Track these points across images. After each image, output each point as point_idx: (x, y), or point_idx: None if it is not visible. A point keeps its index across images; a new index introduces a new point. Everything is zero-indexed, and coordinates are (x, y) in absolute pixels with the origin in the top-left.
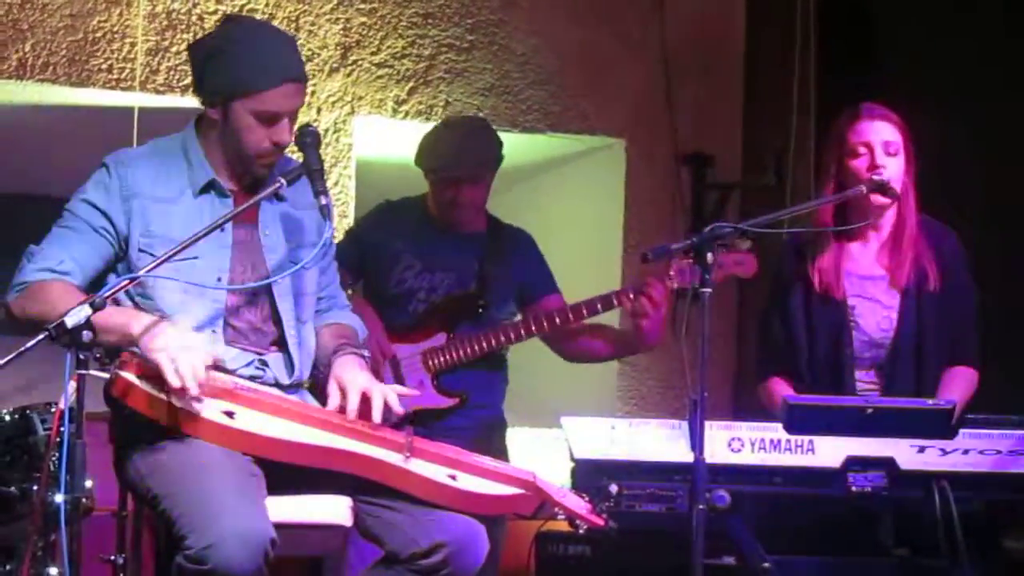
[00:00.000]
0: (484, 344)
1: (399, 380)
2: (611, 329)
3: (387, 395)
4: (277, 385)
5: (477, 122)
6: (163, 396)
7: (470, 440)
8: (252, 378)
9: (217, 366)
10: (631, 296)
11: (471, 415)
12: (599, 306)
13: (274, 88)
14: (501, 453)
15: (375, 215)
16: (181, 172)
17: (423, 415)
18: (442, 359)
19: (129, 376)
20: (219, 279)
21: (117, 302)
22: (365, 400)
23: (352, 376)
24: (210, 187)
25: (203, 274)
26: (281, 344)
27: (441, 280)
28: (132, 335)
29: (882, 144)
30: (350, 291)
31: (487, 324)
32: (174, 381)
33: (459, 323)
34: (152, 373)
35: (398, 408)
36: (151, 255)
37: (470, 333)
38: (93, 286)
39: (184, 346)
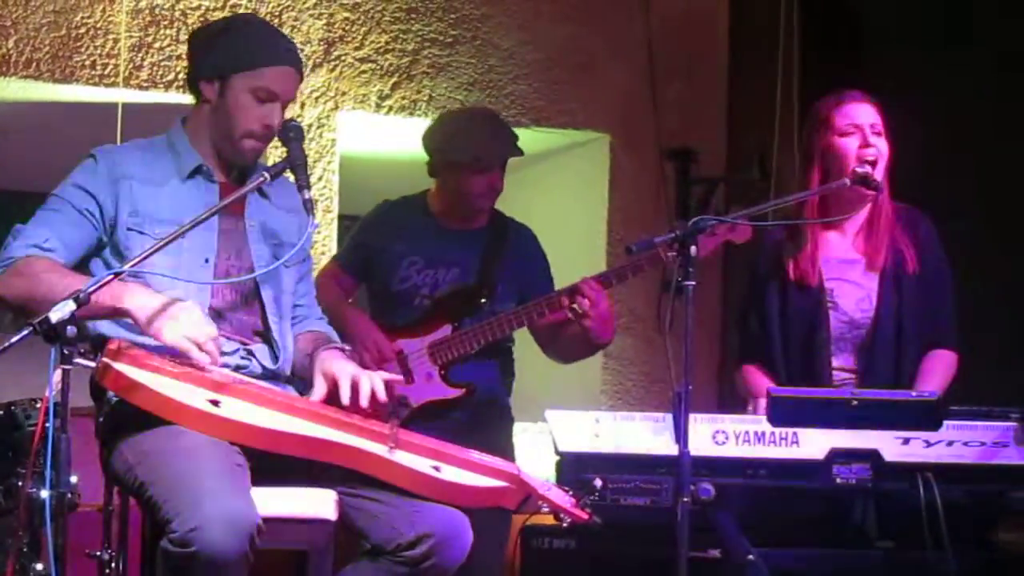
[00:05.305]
0: (488, 335)
1: (407, 374)
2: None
3: (374, 382)
4: (263, 374)
5: (487, 111)
6: (151, 384)
7: (476, 434)
8: (238, 368)
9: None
10: (566, 300)
11: (477, 409)
12: (548, 310)
13: (275, 66)
14: (507, 448)
15: (375, 217)
16: (168, 161)
17: (432, 407)
18: (448, 351)
19: (116, 365)
20: (206, 260)
21: None
22: (354, 389)
23: (340, 365)
24: (197, 172)
25: (191, 257)
26: (264, 335)
27: (444, 276)
28: (128, 311)
29: (869, 126)
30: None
31: (489, 317)
32: (204, 364)
33: (462, 316)
34: (140, 362)
35: (382, 396)
36: (140, 232)
37: (474, 325)
38: (77, 269)
39: (197, 327)
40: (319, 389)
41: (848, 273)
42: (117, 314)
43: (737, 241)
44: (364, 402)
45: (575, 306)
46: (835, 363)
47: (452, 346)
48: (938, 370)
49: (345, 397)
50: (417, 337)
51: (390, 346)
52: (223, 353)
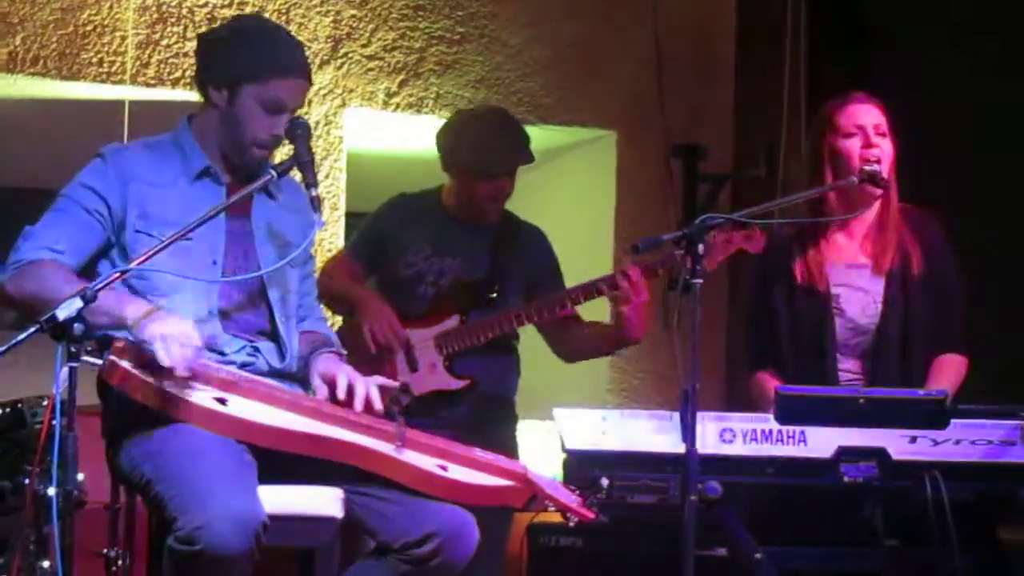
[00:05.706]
0: (497, 328)
1: (412, 362)
2: (601, 324)
3: (369, 387)
4: (269, 371)
5: (501, 114)
6: (156, 382)
7: (479, 428)
8: (244, 365)
9: (211, 347)
10: (612, 283)
11: (481, 403)
12: (582, 297)
13: (285, 79)
14: (509, 444)
15: (389, 205)
16: (175, 162)
17: (434, 397)
18: (455, 343)
19: (123, 363)
20: (214, 262)
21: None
22: (349, 392)
23: (337, 367)
24: (205, 174)
25: (198, 257)
26: (270, 333)
27: (449, 265)
28: (125, 319)
29: (873, 126)
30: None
31: (498, 311)
32: (166, 363)
33: (471, 309)
34: (146, 360)
35: (377, 403)
36: (148, 235)
37: (483, 318)
38: (85, 270)
39: (177, 331)
40: (320, 392)
41: (855, 278)
42: (119, 323)
43: (752, 251)
44: (359, 406)
45: (616, 291)
46: (841, 367)
47: (459, 337)
48: (947, 374)
49: (341, 392)
50: (424, 326)
51: (403, 332)
52: (225, 353)
